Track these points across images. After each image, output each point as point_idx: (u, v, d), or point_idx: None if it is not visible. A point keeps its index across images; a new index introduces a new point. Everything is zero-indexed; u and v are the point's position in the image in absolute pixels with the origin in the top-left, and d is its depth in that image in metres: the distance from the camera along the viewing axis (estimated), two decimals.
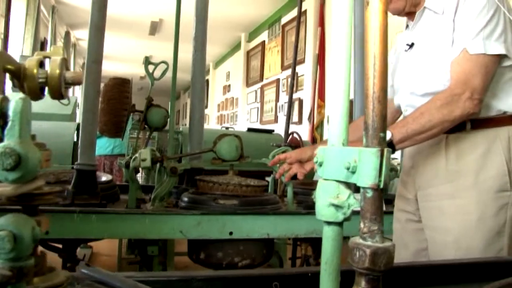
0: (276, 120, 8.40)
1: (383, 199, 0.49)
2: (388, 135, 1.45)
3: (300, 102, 7.26)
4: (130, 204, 2.04)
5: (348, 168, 0.50)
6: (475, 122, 1.51)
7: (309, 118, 6.66)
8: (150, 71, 2.50)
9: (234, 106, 11.44)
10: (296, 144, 4.38)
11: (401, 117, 1.77)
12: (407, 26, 1.77)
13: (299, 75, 7.41)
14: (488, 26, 1.44)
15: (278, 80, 8.46)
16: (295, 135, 4.67)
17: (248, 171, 3.41)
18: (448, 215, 1.54)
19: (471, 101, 1.41)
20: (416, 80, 1.62)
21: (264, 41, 9.54)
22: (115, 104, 2.30)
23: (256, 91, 9.79)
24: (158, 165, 2.20)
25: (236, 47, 11.43)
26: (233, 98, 11.61)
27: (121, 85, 2.37)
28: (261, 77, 9.43)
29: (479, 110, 1.45)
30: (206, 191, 2.02)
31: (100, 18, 2.15)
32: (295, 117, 7.35)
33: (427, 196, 1.63)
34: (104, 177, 2.50)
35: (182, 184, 2.53)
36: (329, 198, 0.52)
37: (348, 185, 0.52)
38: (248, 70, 10.55)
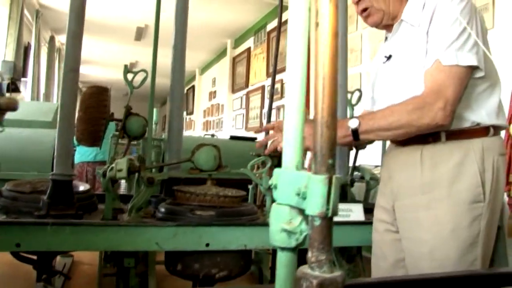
0: (261, 126, 8.39)
1: (332, 227, 0.48)
2: (355, 123, 1.50)
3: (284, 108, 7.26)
4: (106, 215, 2.00)
5: (298, 194, 0.48)
6: (449, 133, 1.52)
7: None
8: (129, 79, 2.47)
9: (219, 112, 11.43)
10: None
11: None
12: (386, 38, 1.78)
13: (283, 82, 7.43)
14: (461, 37, 1.45)
15: (263, 87, 8.47)
16: None
17: (230, 179, 3.38)
18: (423, 227, 1.55)
19: (443, 112, 1.42)
20: (394, 91, 1.63)
21: (250, 47, 9.55)
22: (93, 112, 2.26)
23: (241, 97, 9.78)
24: (136, 174, 2.17)
25: (222, 53, 11.43)
26: (218, 104, 11.60)
27: (100, 93, 2.33)
28: (247, 84, 9.44)
29: (449, 122, 1.46)
30: (184, 202, 1.99)
31: (78, 25, 2.11)
32: None
33: (403, 207, 1.63)
34: (82, 187, 2.46)
35: (162, 193, 2.51)
36: (281, 223, 0.51)
37: (301, 210, 0.51)
38: (233, 77, 10.55)
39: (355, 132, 1.50)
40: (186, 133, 15.45)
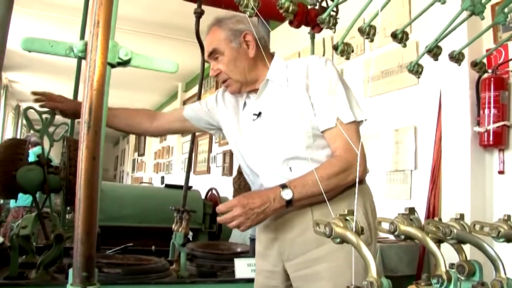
0: (208, 171, 8.40)
1: None
2: (289, 195, 1.52)
3: (231, 153, 7.34)
4: (11, 273, 1.97)
5: None
6: None
7: (238, 169, 6.72)
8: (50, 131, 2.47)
9: (169, 155, 11.38)
10: (214, 201, 4.36)
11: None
12: (248, 97, 1.80)
13: None
14: (349, 96, 1.62)
15: None
16: (213, 191, 4.63)
17: (156, 228, 3.37)
18: (325, 279, 1.57)
19: (363, 167, 1.59)
20: (272, 147, 1.67)
21: None
22: (8, 166, 2.25)
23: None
24: None
25: (173, 96, 11.47)
26: (169, 146, 11.56)
27: (16, 146, 2.33)
28: None
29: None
30: None
31: None
32: (226, 169, 7.42)
33: (300, 264, 1.64)
34: None
35: None
36: None
37: None
38: None
39: (289, 202, 1.53)
40: (137, 174, 15.25)
